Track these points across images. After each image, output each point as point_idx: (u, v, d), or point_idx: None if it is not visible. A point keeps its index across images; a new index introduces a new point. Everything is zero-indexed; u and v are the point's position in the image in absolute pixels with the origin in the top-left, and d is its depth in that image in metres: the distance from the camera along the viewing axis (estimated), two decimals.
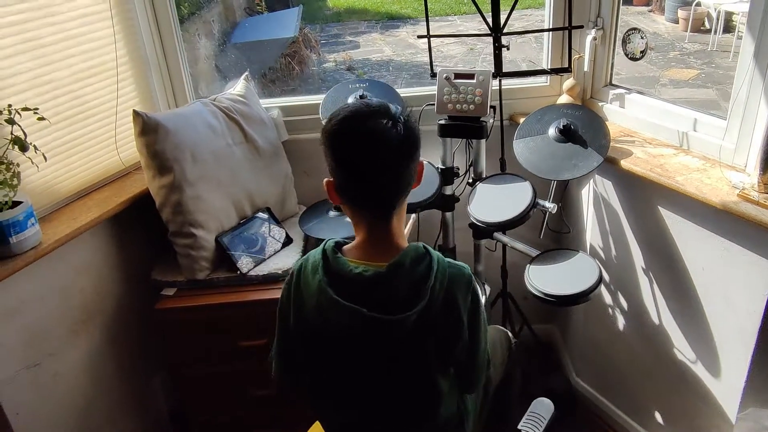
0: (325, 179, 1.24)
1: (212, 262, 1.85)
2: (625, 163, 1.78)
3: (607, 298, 2.08)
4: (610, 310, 2.08)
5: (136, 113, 1.70)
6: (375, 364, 1.22)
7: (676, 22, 7.07)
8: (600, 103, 2.08)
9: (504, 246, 2.21)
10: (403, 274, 1.18)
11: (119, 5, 1.84)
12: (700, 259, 1.71)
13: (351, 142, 1.17)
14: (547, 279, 1.81)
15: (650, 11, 7.89)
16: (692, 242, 1.71)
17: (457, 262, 1.27)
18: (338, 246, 1.25)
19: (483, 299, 1.83)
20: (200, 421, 2.03)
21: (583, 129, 1.85)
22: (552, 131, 1.87)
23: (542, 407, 2.11)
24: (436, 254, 1.22)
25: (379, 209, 1.22)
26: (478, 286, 1.29)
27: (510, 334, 1.78)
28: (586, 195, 2.08)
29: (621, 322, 2.05)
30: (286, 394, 1.35)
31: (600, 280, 1.75)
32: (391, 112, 1.18)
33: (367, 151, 1.16)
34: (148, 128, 1.71)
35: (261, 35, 6.65)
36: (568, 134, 1.84)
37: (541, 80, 2.18)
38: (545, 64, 2.16)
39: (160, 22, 1.99)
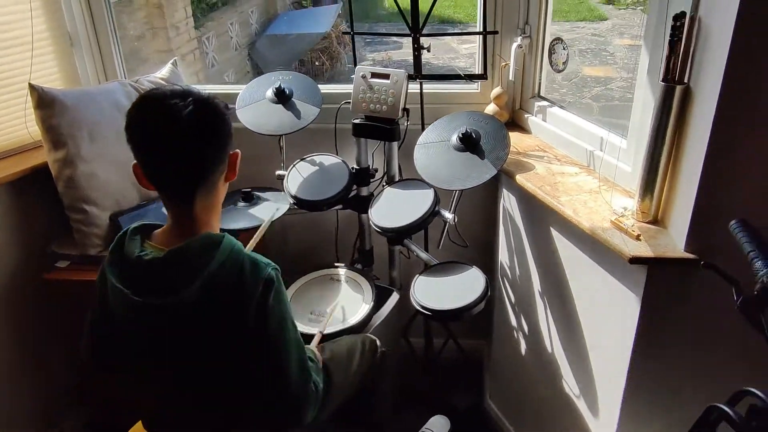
0: (134, 161, 1.23)
1: (105, 239, 1.87)
2: (519, 178, 1.69)
3: (513, 320, 1.98)
4: (515, 333, 1.98)
5: (31, 87, 1.74)
6: (159, 349, 1.21)
7: None
8: (526, 115, 1.97)
9: None
10: (183, 260, 1.16)
11: None
12: (583, 287, 1.60)
13: (141, 122, 1.16)
14: (431, 292, 1.73)
15: None
16: (577, 268, 1.60)
17: (265, 260, 1.23)
18: (146, 229, 1.24)
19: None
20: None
21: (485, 139, 1.76)
22: (454, 139, 1.79)
23: (437, 424, 2.03)
24: (231, 242, 1.19)
25: (178, 194, 1.20)
26: (283, 291, 1.25)
27: (378, 342, 1.72)
28: (501, 209, 1.99)
29: (523, 346, 1.95)
30: (92, 374, 1.34)
31: (482, 299, 1.66)
32: (189, 96, 1.15)
33: (155, 132, 1.14)
34: (43, 102, 1.75)
35: (294, 29, 6.74)
36: (468, 143, 1.75)
37: (472, 86, 2.09)
38: (477, 70, 2.07)
39: None
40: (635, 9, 8.84)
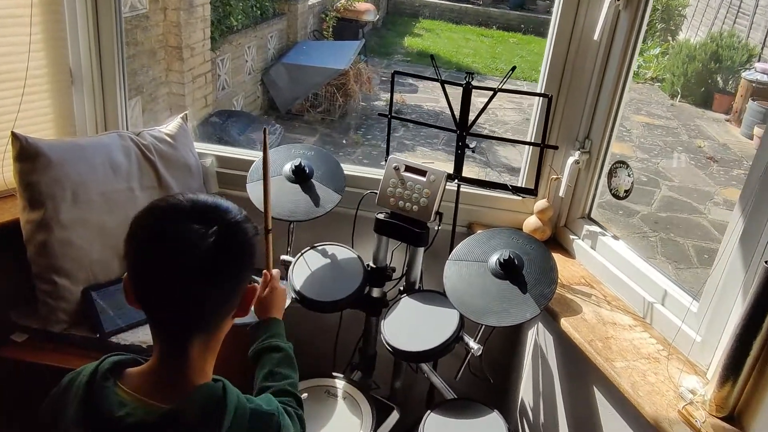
0: (125, 274, 0.98)
1: (72, 315, 1.61)
2: (565, 323, 1.45)
3: None
4: None
5: (14, 135, 1.49)
6: None
7: (751, 138, 6.60)
8: (572, 236, 1.75)
9: None
10: (181, 426, 0.91)
11: (46, 13, 1.65)
12: None
13: (145, 242, 0.92)
14: None
15: (727, 120, 7.42)
16: None
17: (264, 407, 0.99)
18: (119, 367, 0.98)
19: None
20: None
21: (528, 267, 1.52)
22: (492, 261, 1.55)
23: None
24: (234, 399, 0.95)
25: (172, 335, 0.95)
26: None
27: None
28: (531, 342, 1.75)
29: None
30: None
31: None
32: (212, 217, 0.92)
33: (160, 259, 0.90)
34: (25, 155, 1.50)
35: (312, 61, 6.53)
36: (508, 270, 1.51)
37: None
38: (521, 179, 1.85)
39: (101, 32, 1.77)
40: (653, 85, 8.80)
